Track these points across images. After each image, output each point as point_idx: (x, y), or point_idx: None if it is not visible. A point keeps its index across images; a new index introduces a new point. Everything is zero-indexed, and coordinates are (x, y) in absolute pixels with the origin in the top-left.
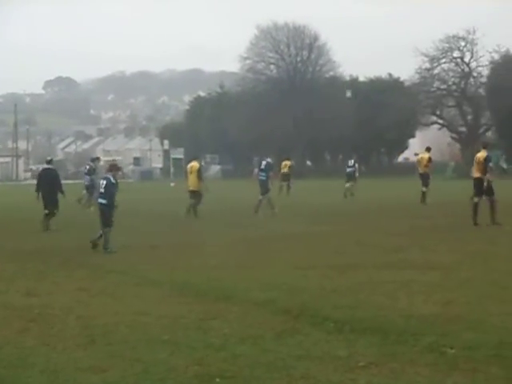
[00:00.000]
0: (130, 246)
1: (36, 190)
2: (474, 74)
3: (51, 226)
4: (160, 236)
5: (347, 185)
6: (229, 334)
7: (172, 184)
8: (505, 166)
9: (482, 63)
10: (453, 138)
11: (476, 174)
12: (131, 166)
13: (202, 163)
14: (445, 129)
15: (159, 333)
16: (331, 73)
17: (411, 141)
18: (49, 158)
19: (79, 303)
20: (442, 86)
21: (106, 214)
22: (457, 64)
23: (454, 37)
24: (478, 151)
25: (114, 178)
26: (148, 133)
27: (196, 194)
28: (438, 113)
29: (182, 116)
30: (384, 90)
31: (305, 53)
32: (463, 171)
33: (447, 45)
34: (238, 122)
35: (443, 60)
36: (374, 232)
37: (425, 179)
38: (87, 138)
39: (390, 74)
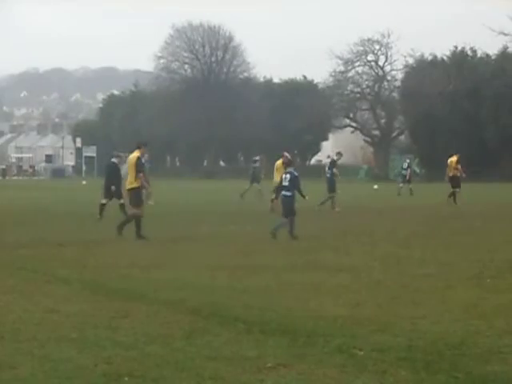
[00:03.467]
0: (40, 244)
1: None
2: (388, 78)
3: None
4: (70, 234)
5: (400, 185)
6: (138, 333)
7: (84, 182)
8: (417, 170)
9: (396, 67)
10: (366, 141)
11: None
12: (43, 164)
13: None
14: (358, 132)
15: (68, 331)
16: (245, 74)
17: (324, 143)
18: (115, 153)
19: None
20: (356, 89)
21: (290, 205)
22: (371, 67)
23: (368, 40)
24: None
25: (297, 171)
26: (61, 130)
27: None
28: (351, 116)
29: (95, 114)
30: (298, 92)
31: (219, 53)
32: (375, 174)
33: (362, 48)
34: (152, 120)
35: (357, 63)
36: (284, 233)
37: (455, 181)
38: None
39: (304, 76)
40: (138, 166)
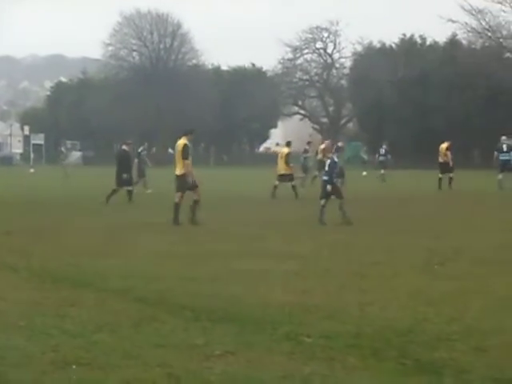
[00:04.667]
0: None
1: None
2: (337, 65)
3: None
4: (17, 222)
5: (382, 171)
6: (86, 321)
7: (32, 170)
8: (365, 157)
9: (344, 54)
10: (314, 128)
11: None
12: None
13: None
14: (306, 119)
15: (16, 319)
16: (194, 61)
17: (273, 131)
18: (128, 141)
19: None
20: (305, 77)
21: (326, 189)
22: (320, 55)
23: (317, 28)
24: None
25: (338, 158)
26: (9, 118)
27: (287, 177)
28: (300, 103)
29: (43, 102)
30: (247, 80)
31: (168, 40)
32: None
33: (310, 35)
34: (100, 108)
35: (306, 51)
36: (232, 221)
37: (444, 167)
38: None
39: (252, 64)
40: (185, 152)
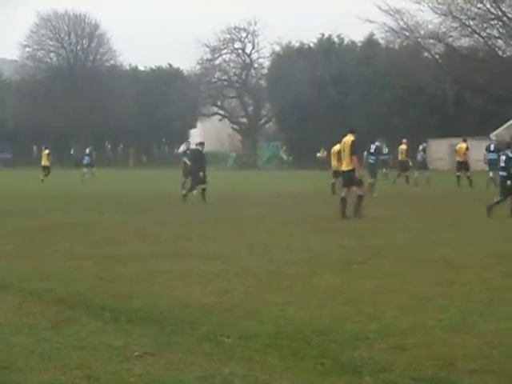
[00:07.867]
0: None
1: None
2: (255, 66)
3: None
4: None
5: (384, 170)
6: (4, 323)
7: None
8: (285, 157)
9: (263, 55)
10: (234, 128)
11: None
12: None
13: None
14: (226, 120)
15: None
16: (112, 62)
17: (192, 131)
18: (201, 142)
19: None
20: (224, 77)
21: (505, 185)
22: (238, 55)
23: (235, 28)
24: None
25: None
26: None
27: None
28: (219, 104)
29: None
30: (165, 80)
31: (85, 41)
32: (244, 162)
33: (229, 36)
34: (18, 110)
35: (225, 51)
36: (151, 222)
37: (464, 165)
38: None
39: (170, 64)
40: (354, 148)
